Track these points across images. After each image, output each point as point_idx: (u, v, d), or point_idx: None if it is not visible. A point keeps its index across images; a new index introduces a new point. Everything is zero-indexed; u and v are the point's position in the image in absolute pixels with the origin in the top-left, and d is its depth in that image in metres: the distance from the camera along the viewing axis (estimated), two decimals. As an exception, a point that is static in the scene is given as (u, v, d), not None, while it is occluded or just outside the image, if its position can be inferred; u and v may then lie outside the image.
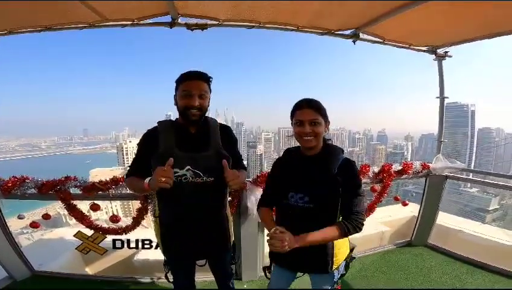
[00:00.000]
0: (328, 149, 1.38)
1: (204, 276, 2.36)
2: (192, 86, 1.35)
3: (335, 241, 1.37)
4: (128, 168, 1.50)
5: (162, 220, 1.53)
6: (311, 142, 1.32)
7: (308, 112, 1.32)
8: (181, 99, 1.37)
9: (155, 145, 1.37)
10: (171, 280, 1.66)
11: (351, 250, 1.54)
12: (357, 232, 1.30)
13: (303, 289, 1.58)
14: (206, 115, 1.47)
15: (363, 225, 1.30)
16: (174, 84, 1.42)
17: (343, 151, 1.40)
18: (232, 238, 1.65)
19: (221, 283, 1.74)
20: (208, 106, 1.43)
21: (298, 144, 1.42)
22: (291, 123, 1.39)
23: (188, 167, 1.36)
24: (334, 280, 1.45)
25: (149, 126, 1.46)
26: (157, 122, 1.46)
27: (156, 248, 2.46)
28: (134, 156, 1.49)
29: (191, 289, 1.72)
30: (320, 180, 1.31)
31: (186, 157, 1.36)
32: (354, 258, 1.58)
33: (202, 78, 1.38)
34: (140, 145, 1.46)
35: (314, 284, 1.51)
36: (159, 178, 1.20)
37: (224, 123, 1.62)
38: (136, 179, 1.42)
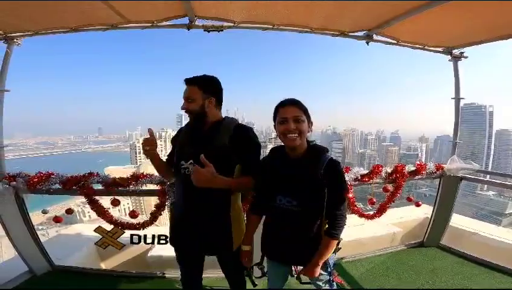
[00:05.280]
0: (312, 150, 1.38)
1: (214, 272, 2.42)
2: (184, 92, 1.55)
3: (322, 234, 1.37)
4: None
5: (173, 208, 1.76)
6: (295, 141, 1.32)
7: (291, 109, 1.33)
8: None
9: (176, 140, 1.70)
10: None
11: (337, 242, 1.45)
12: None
13: (303, 289, 1.58)
14: (226, 116, 1.62)
15: (345, 223, 1.35)
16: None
17: (327, 150, 1.41)
18: (239, 240, 1.59)
19: (229, 281, 1.79)
20: (203, 107, 1.52)
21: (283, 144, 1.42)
22: (274, 125, 1.40)
23: (191, 160, 1.51)
24: (327, 271, 1.46)
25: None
26: (186, 124, 1.71)
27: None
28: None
29: (197, 283, 1.78)
30: (307, 183, 1.32)
31: (191, 152, 1.52)
32: (340, 248, 1.49)
33: (189, 82, 1.54)
34: (171, 142, 1.77)
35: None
36: (144, 147, 1.61)
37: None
38: None
